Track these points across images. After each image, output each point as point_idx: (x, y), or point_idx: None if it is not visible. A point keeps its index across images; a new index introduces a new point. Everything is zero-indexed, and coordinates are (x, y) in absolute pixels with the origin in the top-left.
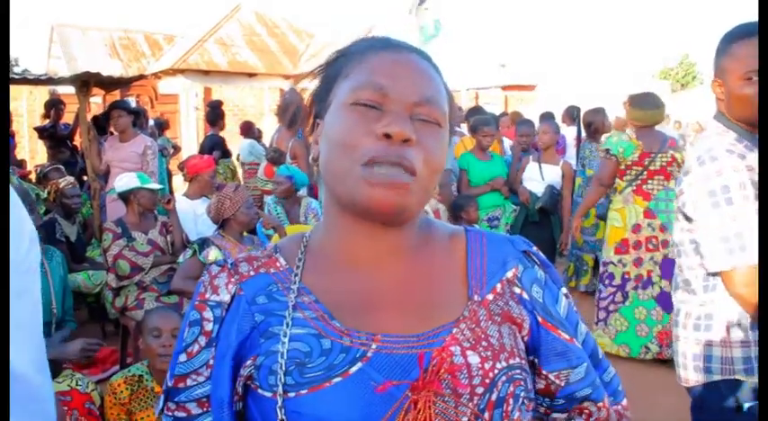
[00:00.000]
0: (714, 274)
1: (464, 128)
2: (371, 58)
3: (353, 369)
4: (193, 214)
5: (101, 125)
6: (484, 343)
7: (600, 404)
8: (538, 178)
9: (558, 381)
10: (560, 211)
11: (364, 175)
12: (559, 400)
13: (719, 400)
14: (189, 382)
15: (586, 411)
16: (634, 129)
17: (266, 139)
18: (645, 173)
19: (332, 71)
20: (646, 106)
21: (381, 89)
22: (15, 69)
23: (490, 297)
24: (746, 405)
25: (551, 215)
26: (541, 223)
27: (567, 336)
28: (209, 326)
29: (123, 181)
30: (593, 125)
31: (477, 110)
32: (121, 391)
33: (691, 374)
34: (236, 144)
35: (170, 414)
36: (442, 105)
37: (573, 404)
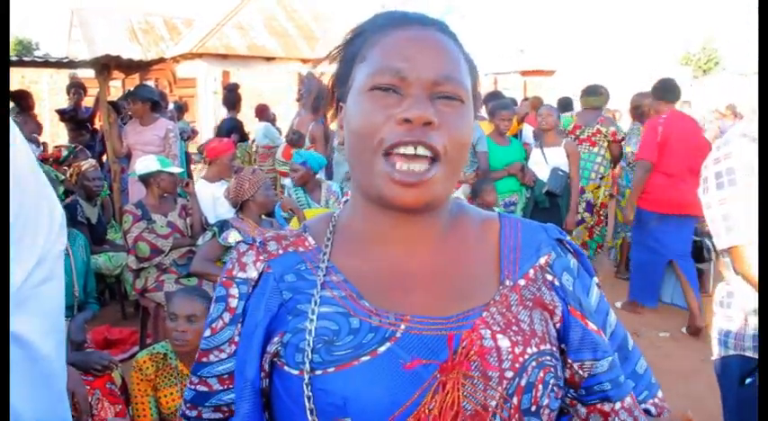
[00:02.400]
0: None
1: (482, 112)
2: (386, 39)
3: (382, 348)
4: (212, 197)
5: (118, 109)
6: (514, 327)
7: (618, 405)
8: (542, 162)
9: (581, 372)
10: (570, 192)
11: (386, 170)
12: (581, 391)
13: (730, 374)
14: (211, 358)
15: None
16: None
17: (282, 123)
18: (576, 140)
19: (349, 53)
20: (586, 96)
21: (398, 73)
22: (36, 53)
23: (522, 282)
24: (748, 380)
25: (559, 198)
26: (551, 209)
27: (594, 327)
28: (233, 303)
29: (144, 164)
30: (641, 108)
31: (495, 95)
32: (147, 368)
33: (715, 347)
34: (253, 128)
35: (193, 387)
36: (463, 80)
37: (592, 397)
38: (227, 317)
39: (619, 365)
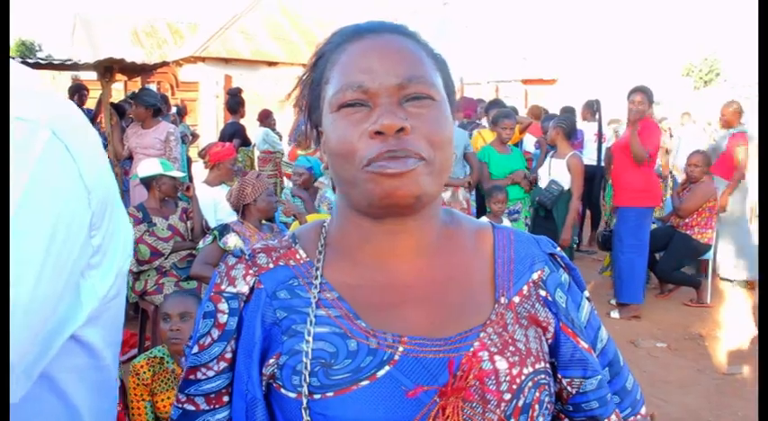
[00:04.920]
0: None
1: (484, 121)
2: (343, 57)
3: (381, 372)
4: (213, 201)
5: (121, 111)
6: (511, 348)
7: None
8: (545, 173)
9: (569, 388)
10: (568, 205)
11: (369, 173)
12: (569, 407)
13: None
14: (199, 376)
15: None
16: None
17: (284, 128)
18: None
19: (315, 77)
20: None
21: (360, 86)
22: (39, 54)
23: (517, 299)
24: None
25: (551, 210)
26: (548, 217)
27: (585, 345)
28: (223, 319)
29: (146, 167)
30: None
31: (496, 103)
32: (144, 372)
33: None
34: (254, 132)
35: (180, 405)
36: (430, 78)
37: (580, 415)
38: (215, 333)
39: (607, 384)
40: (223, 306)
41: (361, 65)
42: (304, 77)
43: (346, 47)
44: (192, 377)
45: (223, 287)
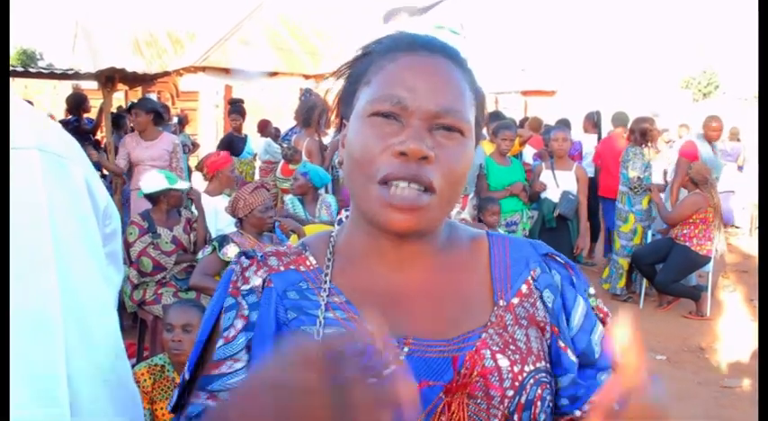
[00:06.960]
0: None
1: (484, 131)
2: (391, 65)
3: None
4: (214, 210)
5: (119, 123)
6: (512, 347)
7: (578, 413)
8: (552, 185)
9: None
10: (578, 216)
11: (381, 195)
12: None
13: None
14: (224, 369)
15: None
16: None
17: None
18: None
19: (355, 73)
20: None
21: (400, 102)
22: (40, 63)
23: (515, 300)
24: None
25: (569, 221)
26: (558, 229)
27: (562, 344)
28: (245, 312)
29: (151, 182)
30: (639, 131)
31: (495, 114)
32: (144, 380)
33: None
34: (256, 142)
35: (200, 402)
36: (465, 113)
37: (556, 411)
38: (239, 324)
39: (577, 385)
40: (243, 300)
41: (406, 80)
42: (344, 69)
43: (397, 56)
44: (215, 371)
45: (239, 285)
